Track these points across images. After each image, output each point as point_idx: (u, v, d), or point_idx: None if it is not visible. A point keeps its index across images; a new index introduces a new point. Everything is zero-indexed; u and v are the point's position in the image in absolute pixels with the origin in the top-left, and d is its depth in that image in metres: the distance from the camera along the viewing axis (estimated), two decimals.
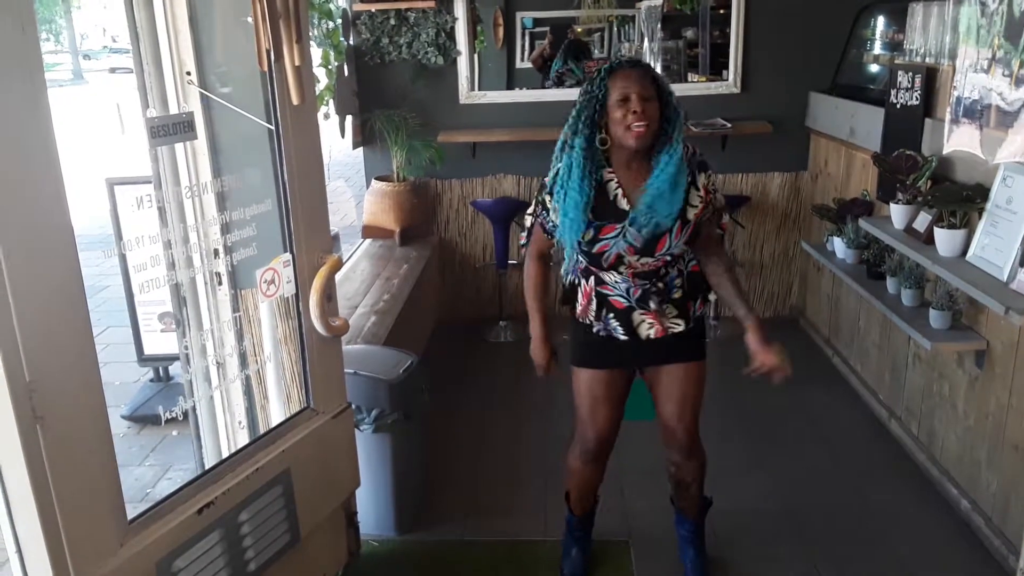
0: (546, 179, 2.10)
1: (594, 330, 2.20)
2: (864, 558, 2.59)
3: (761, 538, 2.70)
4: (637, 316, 2.14)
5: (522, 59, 6.43)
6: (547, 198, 2.09)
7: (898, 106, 3.15)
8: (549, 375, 2.32)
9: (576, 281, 2.22)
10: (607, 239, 2.04)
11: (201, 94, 2.11)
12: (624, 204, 2.04)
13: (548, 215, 2.11)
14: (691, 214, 2.05)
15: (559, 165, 2.03)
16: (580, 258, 2.14)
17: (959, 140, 2.68)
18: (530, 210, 2.21)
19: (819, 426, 3.45)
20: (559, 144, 2.05)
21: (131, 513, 1.72)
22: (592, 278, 2.16)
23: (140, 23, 2.06)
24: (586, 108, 1.98)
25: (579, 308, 2.22)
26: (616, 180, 2.04)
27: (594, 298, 2.17)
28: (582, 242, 2.06)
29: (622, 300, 2.14)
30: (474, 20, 4.62)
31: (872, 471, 3.09)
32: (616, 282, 2.13)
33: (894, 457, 3.17)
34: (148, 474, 3.38)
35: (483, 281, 4.75)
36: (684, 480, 2.39)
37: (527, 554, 2.65)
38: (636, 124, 1.91)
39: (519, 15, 6.38)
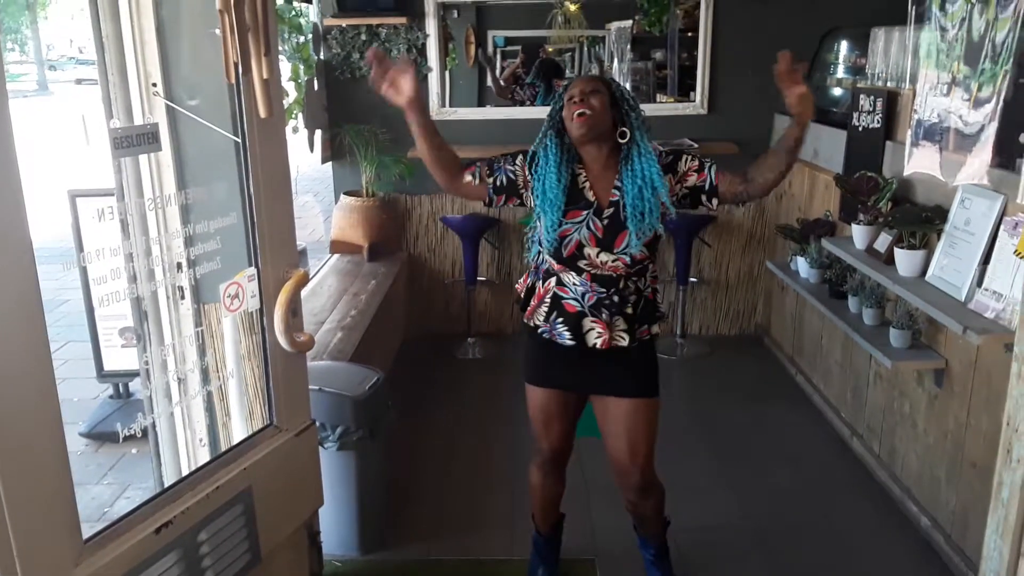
0: (527, 150, 2.20)
1: (539, 331, 2.21)
2: None
3: (726, 556, 2.71)
4: (587, 322, 2.16)
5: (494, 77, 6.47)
6: (521, 155, 2.21)
7: (860, 129, 3.22)
8: (376, 67, 2.03)
9: (534, 284, 2.25)
10: (572, 223, 2.11)
11: (167, 106, 2.09)
12: (590, 195, 2.13)
13: (513, 162, 2.20)
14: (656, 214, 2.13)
15: (535, 154, 2.17)
16: (544, 252, 2.18)
17: (919, 162, 2.74)
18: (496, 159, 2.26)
19: (783, 444, 3.48)
20: (537, 139, 2.20)
21: (87, 532, 1.68)
22: (552, 279, 2.19)
23: (106, 33, 2.03)
24: (550, 117, 2.17)
25: (528, 309, 2.24)
26: (585, 174, 2.16)
27: (547, 299, 2.20)
28: (548, 227, 2.13)
29: (575, 304, 2.16)
30: (446, 37, 4.64)
31: (835, 489, 3.12)
32: (574, 284, 2.16)
33: (856, 475, 3.20)
34: (106, 493, 3.30)
35: (452, 297, 4.74)
36: (644, 515, 2.41)
37: (493, 573, 2.63)
38: (576, 111, 2.06)
39: (491, 33, 6.42)
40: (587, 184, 2.15)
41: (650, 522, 2.43)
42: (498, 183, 2.19)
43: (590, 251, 2.11)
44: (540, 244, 2.19)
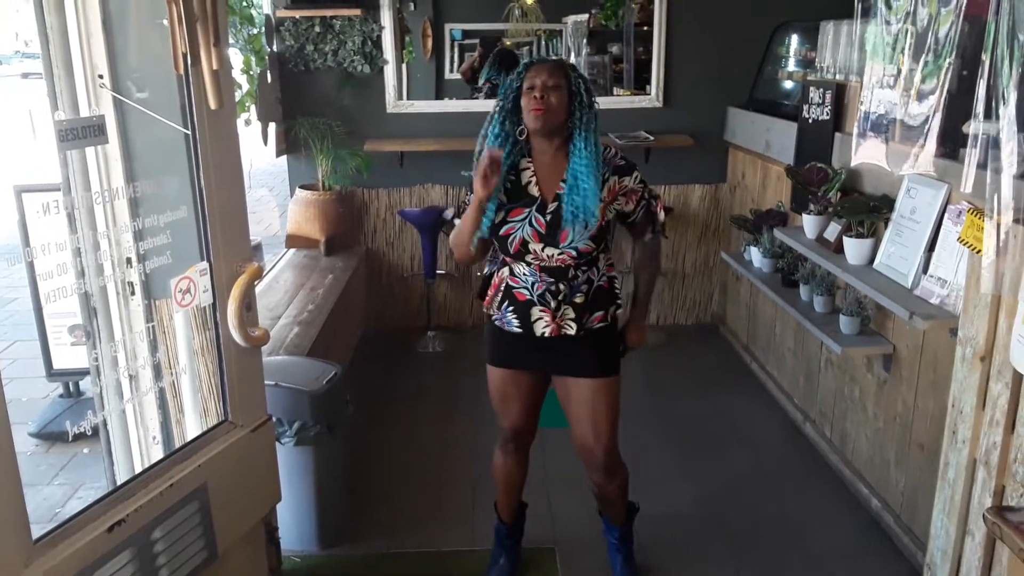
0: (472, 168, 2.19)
1: (493, 319, 2.26)
2: (783, 559, 2.67)
3: (686, 542, 2.75)
4: (536, 311, 2.18)
5: (451, 70, 6.46)
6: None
7: (810, 121, 3.28)
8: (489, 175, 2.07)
9: (491, 272, 2.28)
10: (514, 222, 2.13)
11: (114, 98, 2.05)
12: (535, 191, 2.15)
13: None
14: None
15: (479, 148, 2.17)
16: (495, 244, 2.21)
17: (866, 153, 2.80)
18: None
19: (739, 431, 3.54)
20: (480, 133, 2.20)
21: (38, 533, 1.65)
22: (506, 269, 2.21)
23: (50, 25, 1.98)
24: (504, 99, 2.16)
25: (488, 297, 2.27)
26: (532, 169, 2.17)
27: (501, 288, 2.22)
28: (493, 224, 2.14)
29: (525, 293, 2.18)
30: (402, 30, 4.61)
31: (789, 474, 3.19)
32: (524, 275, 2.18)
33: (809, 459, 3.28)
34: (57, 493, 3.23)
35: (411, 291, 4.72)
36: (609, 497, 2.43)
37: (454, 565, 2.64)
38: (534, 107, 2.07)
39: (448, 27, 6.41)
40: (533, 179, 2.16)
41: (614, 504, 2.45)
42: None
43: (535, 247, 2.13)
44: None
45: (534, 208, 2.13)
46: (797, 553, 2.69)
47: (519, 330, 2.20)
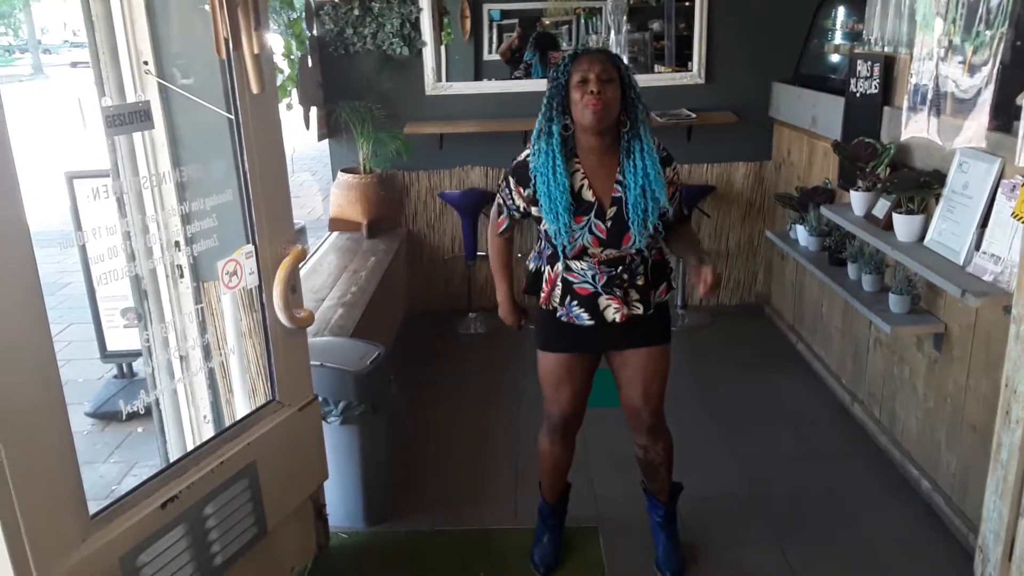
0: (515, 162, 2.15)
1: (558, 315, 2.22)
2: (829, 540, 2.63)
3: (729, 522, 2.73)
4: (603, 300, 2.17)
5: (490, 51, 6.42)
6: (511, 180, 2.16)
7: (858, 95, 3.20)
8: (522, 330, 2.40)
9: (541, 268, 2.24)
10: (575, 229, 2.08)
11: (159, 84, 2.09)
12: (589, 195, 2.08)
13: (512, 198, 2.18)
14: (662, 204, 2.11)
15: (535, 152, 2.09)
16: (546, 245, 2.17)
17: (916, 127, 2.73)
18: (500, 193, 2.26)
19: (785, 411, 3.50)
20: (535, 132, 2.10)
21: (94, 509, 1.70)
22: (559, 264, 2.18)
23: (96, 13, 2.02)
24: (555, 95, 2.05)
25: (543, 295, 2.23)
26: (582, 171, 2.09)
27: (559, 284, 2.19)
28: (548, 231, 2.11)
29: (587, 287, 2.16)
30: (440, 11, 4.60)
31: (836, 455, 3.15)
32: (582, 269, 2.16)
33: (857, 440, 3.22)
34: (113, 471, 3.33)
35: (452, 273, 4.74)
36: (653, 462, 2.41)
37: (497, 543, 2.66)
38: (592, 102, 1.97)
39: (486, 7, 6.36)
40: (584, 182, 2.09)
41: (659, 473, 2.43)
42: (519, 214, 2.20)
43: (594, 251, 2.12)
44: (544, 237, 2.19)
45: (592, 215, 2.07)
46: (844, 534, 2.66)
47: (591, 322, 2.18)
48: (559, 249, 2.14)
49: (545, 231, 2.16)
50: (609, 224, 2.08)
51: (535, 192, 2.09)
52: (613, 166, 2.08)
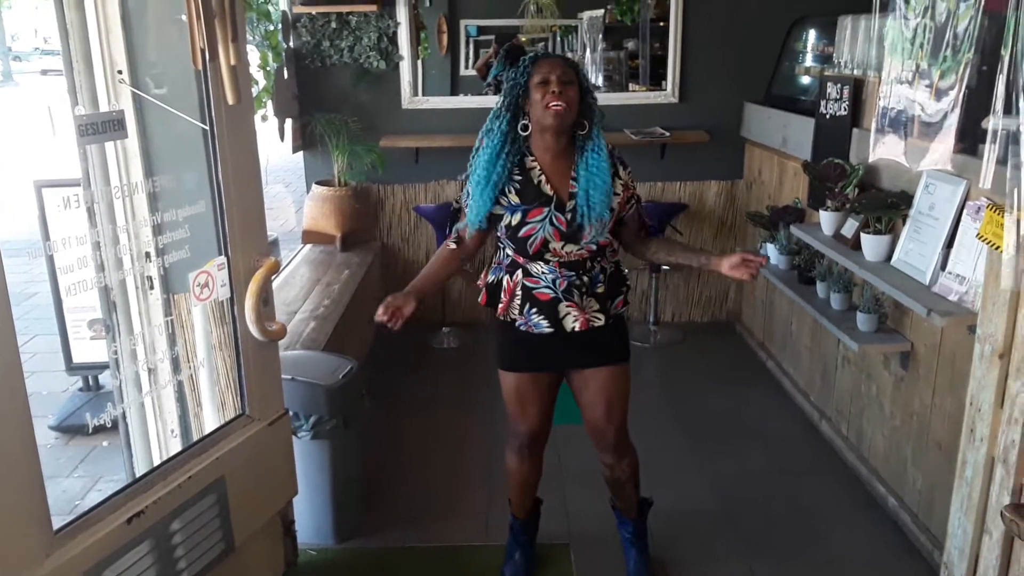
0: (469, 164, 2.19)
1: (516, 325, 2.22)
2: (797, 556, 2.65)
3: (700, 537, 2.75)
4: (563, 307, 2.17)
5: (466, 66, 6.45)
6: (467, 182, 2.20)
7: (827, 116, 3.26)
8: (390, 324, 2.15)
9: (500, 278, 2.25)
10: (534, 222, 2.12)
11: (133, 93, 2.07)
12: (548, 189, 2.13)
13: (464, 204, 2.22)
14: (615, 202, 2.15)
15: (484, 146, 2.14)
16: (508, 248, 2.19)
17: (884, 149, 2.77)
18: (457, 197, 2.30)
19: (754, 428, 3.53)
20: (483, 130, 2.16)
21: (58, 524, 1.67)
22: (519, 271, 2.20)
23: (70, 20, 2.00)
24: (510, 93, 2.10)
25: (501, 305, 2.23)
26: (539, 167, 2.14)
27: (518, 292, 2.20)
28: (509, 226, 2.13)
29: (548, 292, 2.17)
30: (417, 26, 4.61)
31: (805, 471, 3.18)
32: (543, 273, 2.17)
33: (825, 457, 3.26)
34: (77, 485, 3.27)
35: None
36: (619, 479, 2.42)
37: (468, 559, 2.65)
38: (554, 103, 2.01)
39: (463, 23, 6.40)
40: (542, 177, 2.13)
41: (626, 491, 2.44)
42: (482, 222, 2.16)
43: (555, 245, 2.13)
44: (504, 242, 2.20)
45: (552, 207, 2.11)
46: (812, 551, 2.68)
47: (550, 330, 2.18)
48: (519, 248, 2.14)
49: (505, 236, 2.17)
50: (568, 216, 2.11)
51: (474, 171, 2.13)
52: (568, 165, 2.13)
